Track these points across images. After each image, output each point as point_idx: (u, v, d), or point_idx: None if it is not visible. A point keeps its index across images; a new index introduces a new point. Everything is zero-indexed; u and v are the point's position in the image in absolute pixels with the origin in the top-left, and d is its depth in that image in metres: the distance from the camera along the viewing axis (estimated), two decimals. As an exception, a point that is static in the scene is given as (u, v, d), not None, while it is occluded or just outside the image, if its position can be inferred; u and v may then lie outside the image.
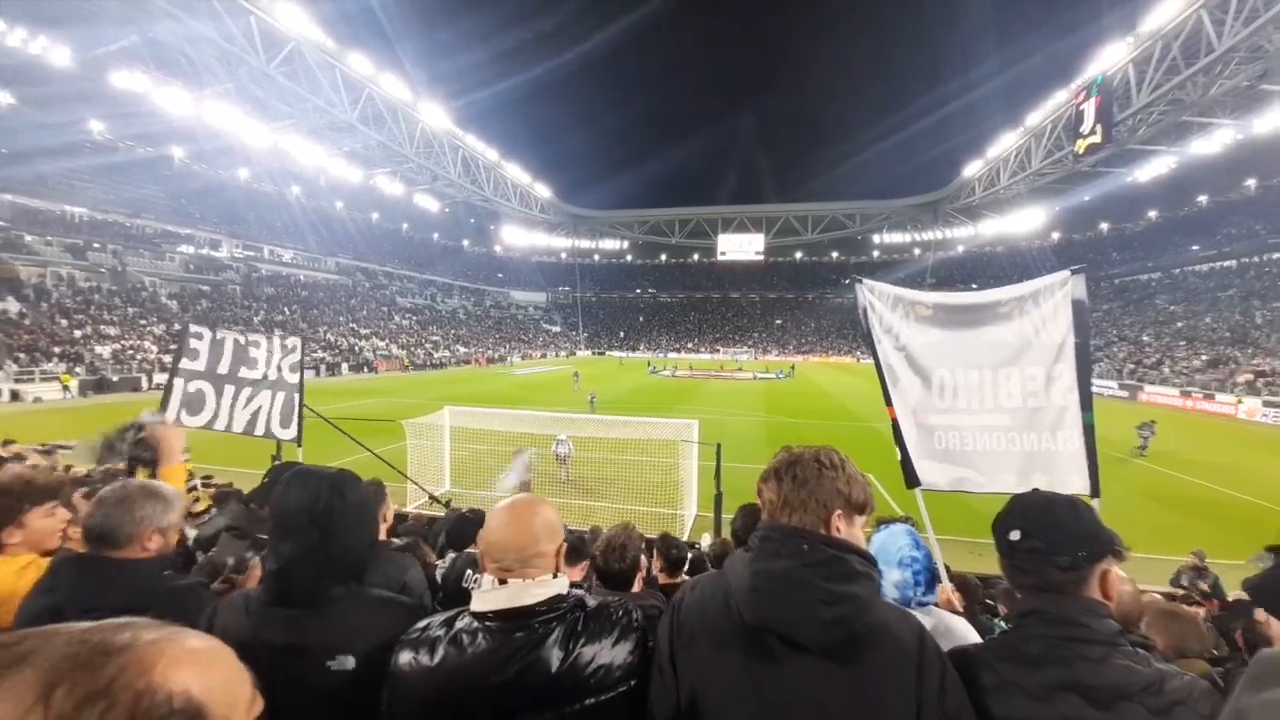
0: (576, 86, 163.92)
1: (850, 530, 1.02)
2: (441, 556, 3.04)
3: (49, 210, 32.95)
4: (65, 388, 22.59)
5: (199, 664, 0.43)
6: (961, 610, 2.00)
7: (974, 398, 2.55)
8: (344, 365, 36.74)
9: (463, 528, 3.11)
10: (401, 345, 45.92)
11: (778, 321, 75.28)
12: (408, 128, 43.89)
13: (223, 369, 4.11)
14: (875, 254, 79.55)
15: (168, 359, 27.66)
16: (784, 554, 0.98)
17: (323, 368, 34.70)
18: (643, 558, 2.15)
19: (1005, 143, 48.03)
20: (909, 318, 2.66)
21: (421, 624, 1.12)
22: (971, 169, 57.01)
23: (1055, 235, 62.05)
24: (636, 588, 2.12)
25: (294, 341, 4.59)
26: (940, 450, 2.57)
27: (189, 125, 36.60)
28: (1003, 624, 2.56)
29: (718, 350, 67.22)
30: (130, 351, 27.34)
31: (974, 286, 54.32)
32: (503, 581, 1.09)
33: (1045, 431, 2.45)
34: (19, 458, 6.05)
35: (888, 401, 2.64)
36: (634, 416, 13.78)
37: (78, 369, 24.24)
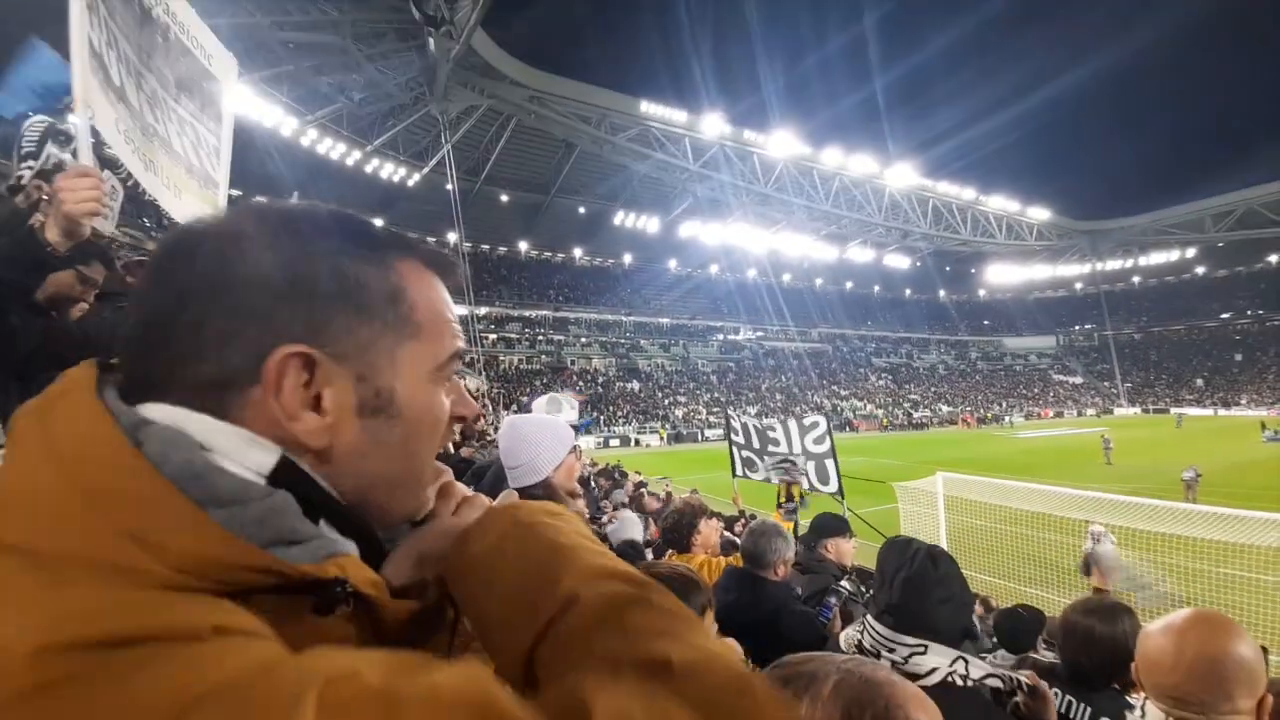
0: (1100, 89, 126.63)
1: None
2: (990, 651, 2.89)
3: (651, 322, 51.58)
4: (661, 438, 34.37)
5: (924, 706, 0.52)
6: None
7: None
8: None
9: (1016, 626, 2.88)
10: (878, 405, 46.54)
11: None
12: (875, 198, 46.63)
13: (756, 445, 5.77)
14: None
15: (713, 418, 37.71)
16: None
17: (812, 426, 39.24)
18: None
19: None
20: None
21: None
22: None
23: None
24: None
25: (815, 419, 5.72)
26: None
27: (719, 248, 50.76)
28: None
29: None
30: (692, 413, 38.95)
31: None
32: None
33: None
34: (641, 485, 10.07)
35: None
36: (1242, 509, 9.01)
37: (666, 425, 36.36)
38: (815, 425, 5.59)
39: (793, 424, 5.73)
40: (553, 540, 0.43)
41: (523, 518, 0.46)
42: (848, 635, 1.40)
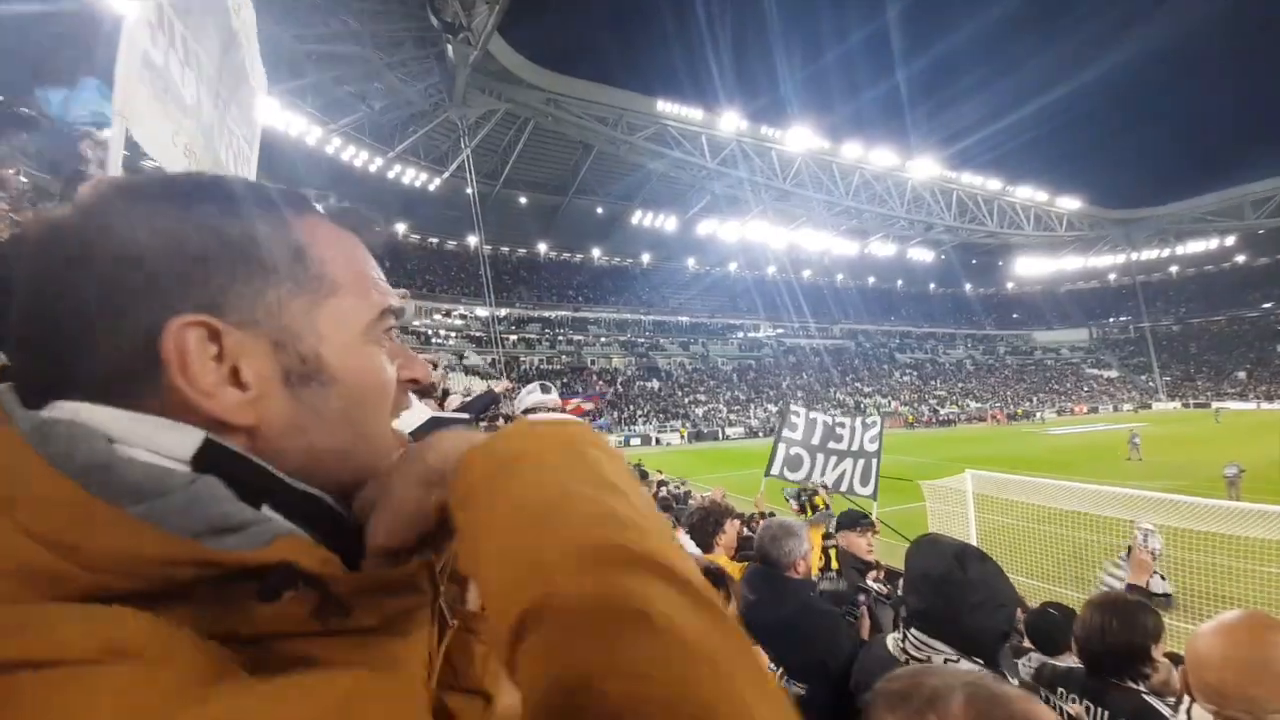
0: (1126, 81, 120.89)
1: None
2: (1018, 655, 2.72)
3: (671, 321, 51.50)
4: (681, 436, 34.29)
5: (1049, 715, 0.53)
6: None
7: None
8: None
9: (1048, 626, 2.70)
10: (904, 401, 45.74)
11: None
12: (897, 191, 45.84)
13: (815, 440, 5.71)
14: None
15: (734, 416, 37.50)
16: None
17: (834, 424, 38.74)
18: None
19: None
20: None
21: None
22: None
23: None
24: None
25: (875, 419, 5.78)
26: None
27: (738, 245, 50.51)
28: None
29: None
30: (713, 411, 38.79)
31: None
32: None
33: None
34: (661, 483, 9.97)
35: None
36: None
37: (686, 424, 36.27)
38: (873, 425, 5.74)
39: (857, 422, 5.82)
40: (564, 483, 0.35)
41: (546, 431, 0.39)
42: (894, 640, 1.35)
